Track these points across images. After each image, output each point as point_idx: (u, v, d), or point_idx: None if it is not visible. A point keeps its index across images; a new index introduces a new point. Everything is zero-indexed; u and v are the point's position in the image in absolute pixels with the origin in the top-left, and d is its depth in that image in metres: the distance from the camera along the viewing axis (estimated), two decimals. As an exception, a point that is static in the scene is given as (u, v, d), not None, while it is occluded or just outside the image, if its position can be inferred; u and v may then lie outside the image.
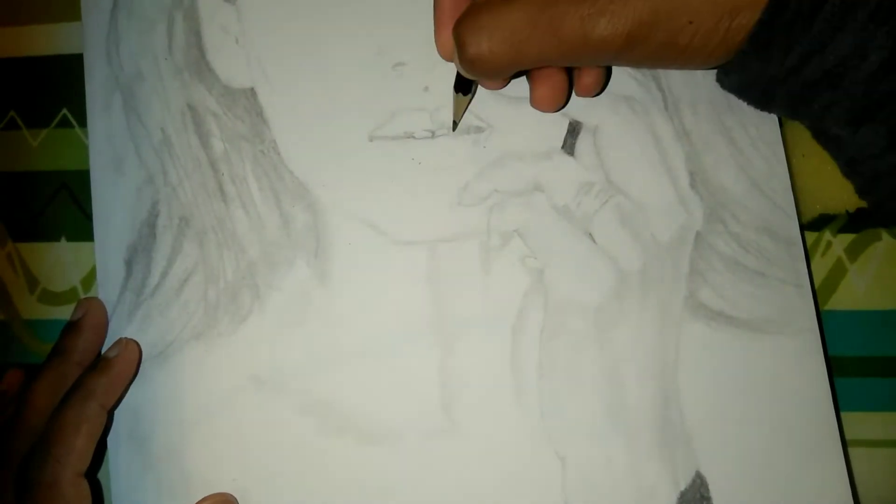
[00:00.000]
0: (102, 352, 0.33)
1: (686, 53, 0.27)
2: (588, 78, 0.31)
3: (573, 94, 0.32)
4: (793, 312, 0.32)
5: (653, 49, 0.27)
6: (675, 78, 0.33)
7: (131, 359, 0.33)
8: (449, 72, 0.32)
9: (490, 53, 0.27)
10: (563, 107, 0.33)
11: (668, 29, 0.26)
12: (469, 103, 0.33)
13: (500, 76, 0.31)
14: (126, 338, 0.34)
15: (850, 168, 0.29)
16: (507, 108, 0.34)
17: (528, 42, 0.27)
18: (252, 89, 0.35)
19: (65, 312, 0.36)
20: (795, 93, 0.28)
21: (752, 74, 0.28)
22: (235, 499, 0.32)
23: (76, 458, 0.30)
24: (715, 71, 0.30)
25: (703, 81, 0.33)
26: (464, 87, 0.32)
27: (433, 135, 0.34)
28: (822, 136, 0.30)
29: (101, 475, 0.34)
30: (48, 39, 0.39)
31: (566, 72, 0.31)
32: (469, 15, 0.28)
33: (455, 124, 0.33)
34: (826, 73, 0.26)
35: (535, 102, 0.31)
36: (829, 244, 0.34)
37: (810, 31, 0.25)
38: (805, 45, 0.25)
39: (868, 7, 0.24)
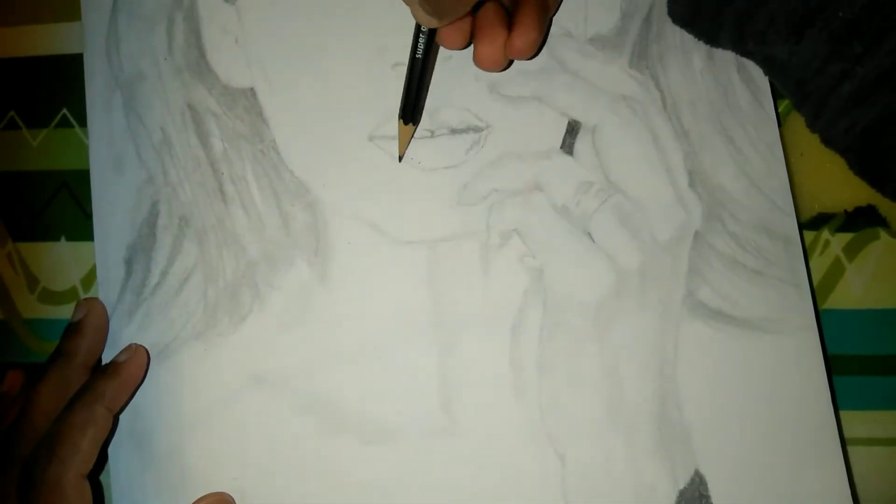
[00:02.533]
0: (111, 357, 0.33)
1: None
2: (519, 40, 0.30)
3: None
4: (791, 311, 0.32)
5: None
6: (674, 77, 0.33)
7: (140, 364, 0.33)
8: (449, 72, 0.32)
9: None
10: (505, 68, 0.32)
11: None
12: (413, 134, 0.33)
13: (451, 12, 0.29)
14: (136, 343, 0.34)
15: (799, 93, 0.29)
16: (506, 108, 0.34)
17: None
18: (252, 89, 0.35)
19: (65, 312, 0.36)
20: (742, 9, 0.28)
21: None
22: (232, 498, 0.32)
23: (80, 460, 0.30)
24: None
25: (702, 81, 0.33)
26: (407, 114, 0.32)
27: (432, 134, 0.34)
28: (770, 66, 0.30)
29: (101, 474, 0.34)
30: (48, 39, 0.39)
31: (507, 29, 0.30)
32: None
33: (400, 157, 0.34)
34: None
35: (477, 59, 0.31)
36: (827, 243, 0.34)
37: None
38: None
39: None
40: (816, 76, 0.28)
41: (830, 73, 0.28)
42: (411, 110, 0.32)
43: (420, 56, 0.30)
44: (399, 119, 0.32)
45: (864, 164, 0.29)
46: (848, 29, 0.26)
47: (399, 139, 0.33)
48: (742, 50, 0.31)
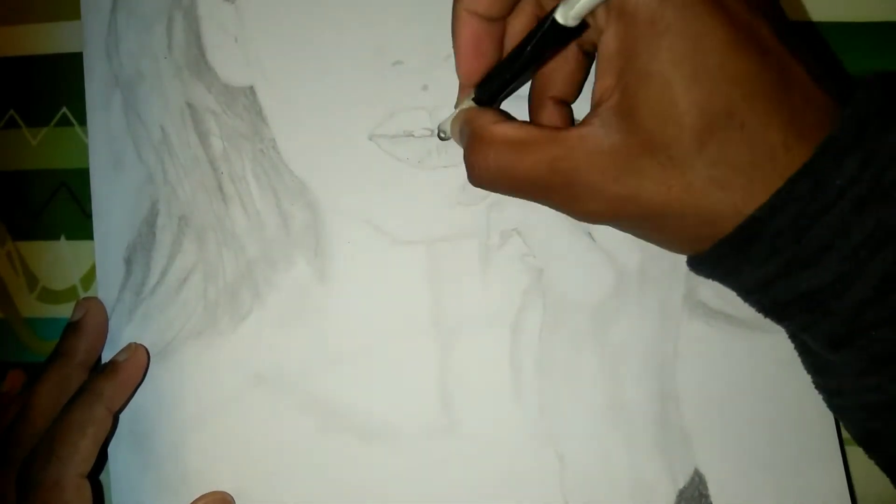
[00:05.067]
0: (111, 356, 0.33)
1: (661, 242, 0.27)
2: None
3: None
4: (791, 311, 0.32)
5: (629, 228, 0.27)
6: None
7: (140, 363, 0.33)
8: (448, 70, 0.32)
9: (489, 181, 0.28)
10: None
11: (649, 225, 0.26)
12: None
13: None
14: (135, 343, 0.34)
15: (822, 384, 0.27)
16: (505, 107, 0.34)
17: (526, 180, 0.26)
18: (251, 88, 0.35)
19: (65, 311, 0.36)
20: (766, 306, 0.25)
21: (722, 273, 0.26)
22: (231, 497, 0.32)
23: (80, 460, 0.30)
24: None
25: None
26: (484, 94, 0.29)
27: (432, 133, 0.34)
28: (800, 349, 0.27)
29: (101, 474, 0.34)
30: (48, 38, 0.39)
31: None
32: (481, 142, 0.27)
33: (444, 136, 0.32)
34: (804, 294, 0.24)
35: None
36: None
37: (796, 246, 0.23)
38: (787, 259, 0.23)
39: (863, 230, 0.22)
40: (848, 379, 0.25)
41: (863, 384, 0.25)
42: (495, 95, 0.29)
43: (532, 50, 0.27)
44: (473, 90, 0.30)
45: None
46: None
47: (452, 116, 0.31)
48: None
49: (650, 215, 0.25)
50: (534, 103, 0.31)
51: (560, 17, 0.24)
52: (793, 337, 0.27)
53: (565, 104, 0.30)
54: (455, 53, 0.29)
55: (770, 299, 0.25)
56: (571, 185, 0.25)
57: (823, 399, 0.27)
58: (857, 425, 0.27)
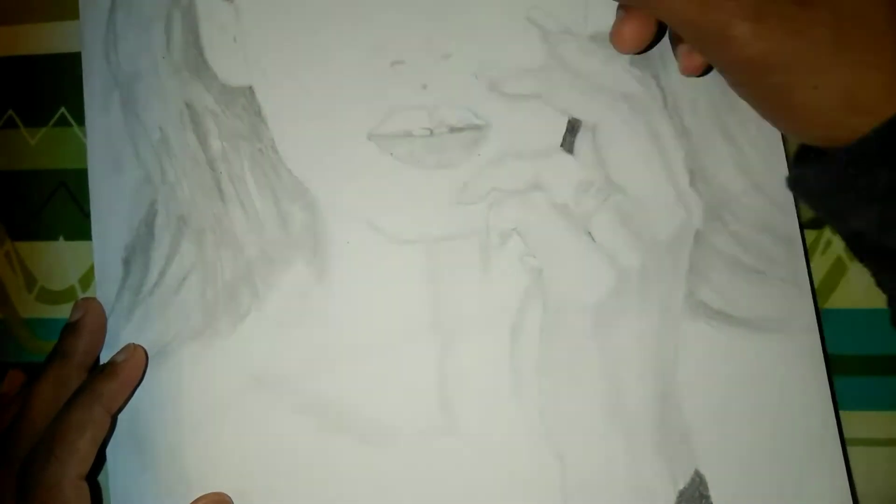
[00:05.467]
0: (110, 357, 0.33)
1: (797, 112, 0.26)
2: (697, 60, 0.30)
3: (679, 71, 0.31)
4: (792, 311, 0.32)
5: (766, 88, 0.26)
6: (676, 76, 0.33)
7: (138, 364, 0.33)
8: (447, 70, 0.32)
9: None
10: (641, 51, 0.32)
11: (790, 79, 0.25)
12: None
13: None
14: (134, 343, 0.34)
15: None
16: (505, 107, 0.34)
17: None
18: (250, 88, 0.35)
19: (63, 311, 0.36)
20: (890, 218, 0.24)
21: (852, 173, 0.24)
22: (230, 498, 0.32)
23: (78, 461, 0.30)
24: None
25: (703, 80, 0.33)
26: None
27: (431, 133, 0.34)
28: (888, 261, 0.26)
29: (100, 475, 0.34)
30: (46, 38, 0.39)
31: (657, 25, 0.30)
32: None
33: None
34: None
35: (617, 38, 0.30)
36: (829, 242, 0.34)
37: None
38: None
39: None
40: None
41: None
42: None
43: None
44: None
45: None
46: None
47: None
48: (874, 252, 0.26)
49: (788, 59, 0.24)
50: None
51: None
52: (890, 265, 0.26)
53: None
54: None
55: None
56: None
57: None
58: None
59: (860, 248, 0.26)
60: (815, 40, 0.24)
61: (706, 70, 0.31)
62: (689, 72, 0.31)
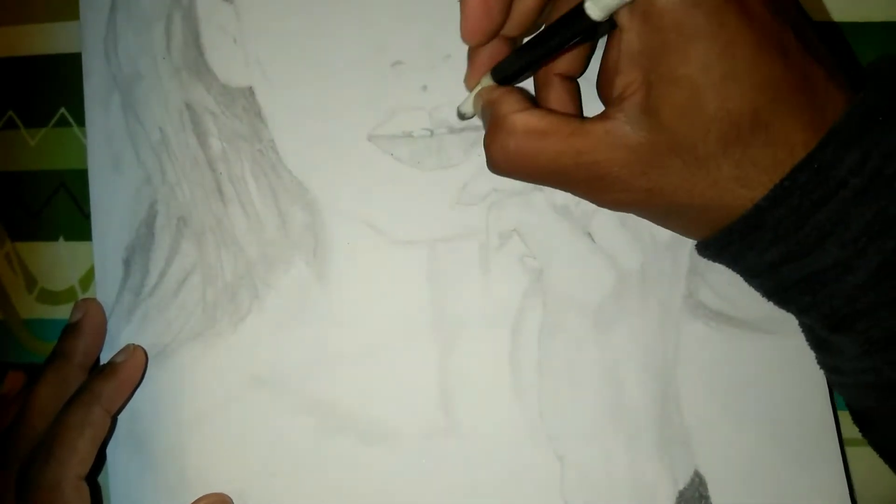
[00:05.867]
0: (109, 357, 0.33)
1: (678, 228, 0.28)
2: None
3: None
4: (792, 312, 0.32)
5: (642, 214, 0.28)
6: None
7: (138, 365, 0.33)
8: (447, 71, 0.32)
9: (509, 170, 0.28)
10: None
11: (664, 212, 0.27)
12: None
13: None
14: (134, 344, 0.34)
15: (823, 362, 0.28)
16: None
17: (545, 165, 0.27)
18: (250, 88, 0.35)
19: (63, 312, 0.36)
20: (770, 289, 0.26)
21: (728, 258, 0.27)
22: (230, 499, 0.32)
23: (78, 462, 0.30)
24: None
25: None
26: (501, 75, 0.29)
27: (432, 133, 0.34)
28: (803, 327, 0.28)
29: (100, 475, 0.34)
30: (46, 38, 0.39)
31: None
32: (501, 130, 0.27)
33: (464, 116, 0.32)
34: (805, 278, 0.25)
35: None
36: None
37: (798, 233, 0.24)
38: (789, 246, 0.24)
39: (862, 219, 0.23)
40: (848, 362, 0.26)
41: (861, 366, 0.26)
42: (513, 78, 0.29)
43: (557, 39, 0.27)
44: (489, 75, 0.29)
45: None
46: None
47: (472, 95, 0.30)
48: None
49: (674, 207, 0.26)
50: (540, 80, 0.31)
51: (590, 10, 0.24)
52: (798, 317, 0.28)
53: (572, 80, 0.31)
54: (462, 12, 0.28)
55: (773, 282, 0.26)
56: (595, 178, 0.26)
57: (825, 375, 0.29)
58: (854, 402, 0.28)
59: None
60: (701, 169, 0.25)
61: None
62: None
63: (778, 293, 0.26)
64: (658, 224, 0.29)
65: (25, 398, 0.32)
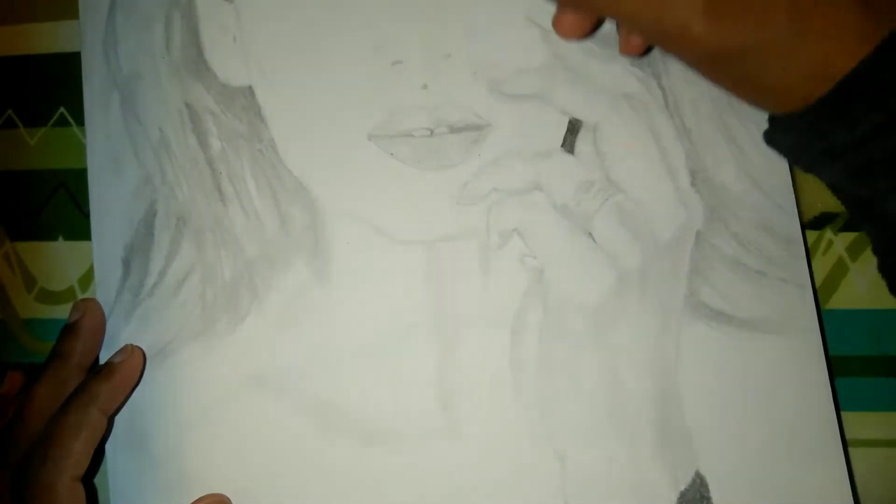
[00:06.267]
0: (107, 357, 0.33)
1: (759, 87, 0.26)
2: (636, 41, 0.30)
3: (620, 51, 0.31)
4: (793, 312, 0.32)
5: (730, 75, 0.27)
6: (676, 76, 0.33)
7: (135, 365, 0.33)
8: (447, 70, 0.32)
9: None
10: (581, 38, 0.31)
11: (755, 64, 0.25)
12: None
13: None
14: (131, 344, 0.33)
15: (888, 249, 0.27)
16: (506, 106, 0.34)
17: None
18: (250, 88, 0.35)
19: (63, 311, 0.36)
20: (855, 168, 0.25)
21: (812, 135, 0.25)
22: (230, 500, 0.32)
23: (74, 462, 0.30)
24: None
25: (704, 80, 0.33)
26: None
27: (432, 133, 0.34)
28: (865, 209, 0.27)
29: (98, 476, 0.34)
30: (46, 38, 0.39)
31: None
32: None
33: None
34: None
35: (559, 25, 0.30)
36: (830, 243, 0.34)
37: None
38: (889, 113, 0.23)
39: None
40: None
41: None
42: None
43: None
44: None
45: None
46: None
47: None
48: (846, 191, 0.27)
49: (750, 49, 0.25)
50: None
51: None
52: (867, 212, 0.27)
53: None
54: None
55: (864, 157, 0.24)
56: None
57: (888, 284, 0.27)
58: None
59: (838, 197, 0.27)
60: (775, 26, 0.25)
61: (648, 49, 0.31)
62: (627, 52, 0.31)
63: (861, 173, 0.25)
64: (738, 84, 0.27)
65: (24, 398, 0.32)
